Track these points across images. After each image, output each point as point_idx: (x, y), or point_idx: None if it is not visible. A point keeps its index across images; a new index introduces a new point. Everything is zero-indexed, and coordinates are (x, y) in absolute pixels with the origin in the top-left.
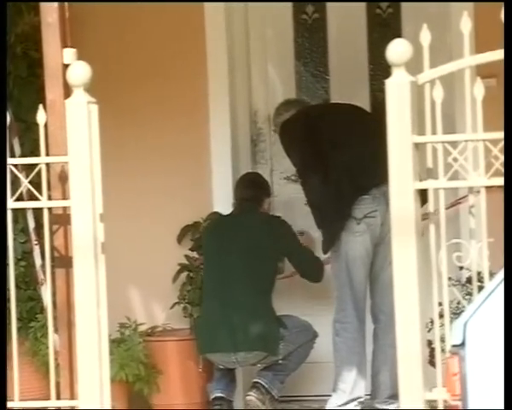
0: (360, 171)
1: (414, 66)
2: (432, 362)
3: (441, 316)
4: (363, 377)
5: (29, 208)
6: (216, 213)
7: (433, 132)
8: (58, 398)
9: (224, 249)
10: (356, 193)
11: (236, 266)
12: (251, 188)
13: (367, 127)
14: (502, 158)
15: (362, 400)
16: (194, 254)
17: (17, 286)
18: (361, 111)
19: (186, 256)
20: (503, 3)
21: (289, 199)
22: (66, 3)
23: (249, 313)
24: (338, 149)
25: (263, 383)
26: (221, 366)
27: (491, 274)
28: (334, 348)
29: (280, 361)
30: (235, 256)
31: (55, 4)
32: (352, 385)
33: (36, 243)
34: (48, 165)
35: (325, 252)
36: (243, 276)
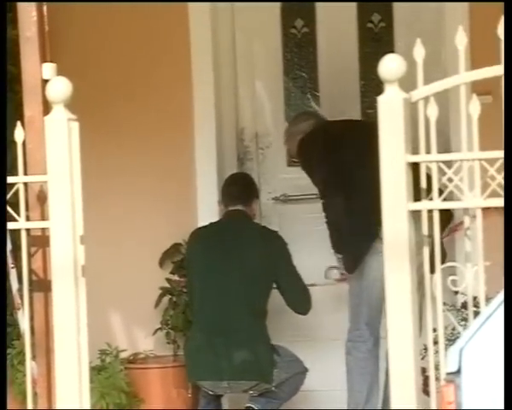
0: None
1: (407, 82)
2: (426, 391)
3: (436, 342)
4: (376, 398)
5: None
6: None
7: (428, 151)
8: None
9: (215, 264)
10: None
11: (229, 285)
12: (241, 186)
13: None
14: (498, 178)
15: None
16: (176, 277)
17: None
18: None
19: (168, 280)
20: (499, 18)
21: (277, 220)
22: (45, 16)
23: (243, 339)
24: (362, 168)
25: (255, 408)
26: (210, 392)
27: (488, 299)
28: (346, 368)
29: (273, 388)
30: (227, 273)
31: (34, 18)
32: (363, 405)
33: (12, 266)
34: (26, 184)
35: (350, 272)
36: (237, 296)
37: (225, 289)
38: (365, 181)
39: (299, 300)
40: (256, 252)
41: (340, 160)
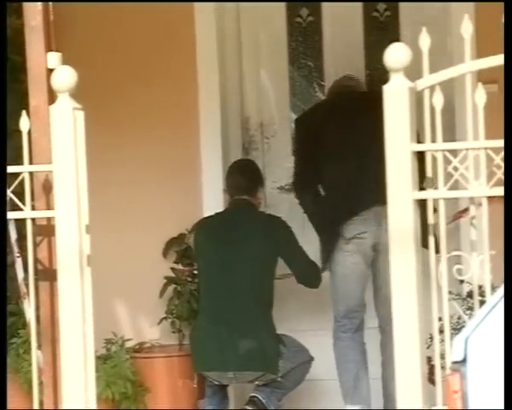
0: (352, 193)
1: (413, 71)
2: (431, 379)
3: (441, 331)
4: (364, 384)
5: (11, 219)
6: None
7: (433, 140)
8: None
9: (221, 255)
10: (346, 215)
11: (235, 275)
12: (245, 175)
13: (371, 139)
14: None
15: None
16: (180, 267)
17: None
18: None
19: (172, 269)
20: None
21: (282, 209)
22: (50, 5)
23: (248, 328)
24: (335, 164)
25: (260, 398)
26: (216, 382)
27: (493, 288)
28: (335, 359)
29: (278, 379)
30: (232, 263)
31: (39, 7)
32: (352, 394)
33: (18, 255)
34: (31, 174)
35: (324, 270)
36: (243, 286)
37: (231, 280)
38: (336, 180)
39: (308, 274)
40: (261, 240)
41: (314, 153)
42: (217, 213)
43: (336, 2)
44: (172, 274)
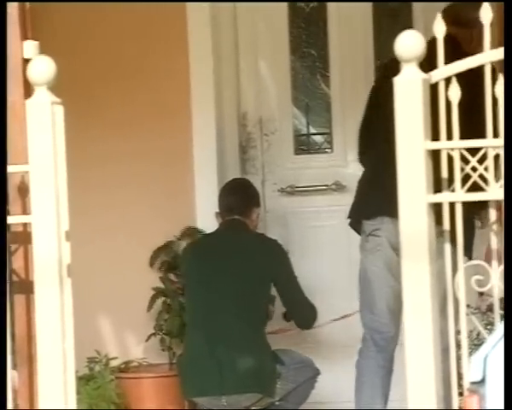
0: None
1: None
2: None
3: (458, 346)
4: (379, 405)
5: None
6: (191, 228)
7: (449, 138)
8: None
9: (210, 275)
10: (365, 210)
11: (225, 295)
12: (238, 195)
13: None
14: None
15: None
16: (172, 277)
17: None
18: None
19: (161, 278)
20: None
21: (283, 214)
22: None
23: (241, 349)
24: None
25: None
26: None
27: None
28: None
29: (277, 402)
30: (223, 283)
31: None
32: None
33: None
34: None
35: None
36: (233, 306)
37: (220, 301)
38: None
39: (302, 313)
40: (253, 261)
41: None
42: (206, 234)
43: None
44: (161, 285)
